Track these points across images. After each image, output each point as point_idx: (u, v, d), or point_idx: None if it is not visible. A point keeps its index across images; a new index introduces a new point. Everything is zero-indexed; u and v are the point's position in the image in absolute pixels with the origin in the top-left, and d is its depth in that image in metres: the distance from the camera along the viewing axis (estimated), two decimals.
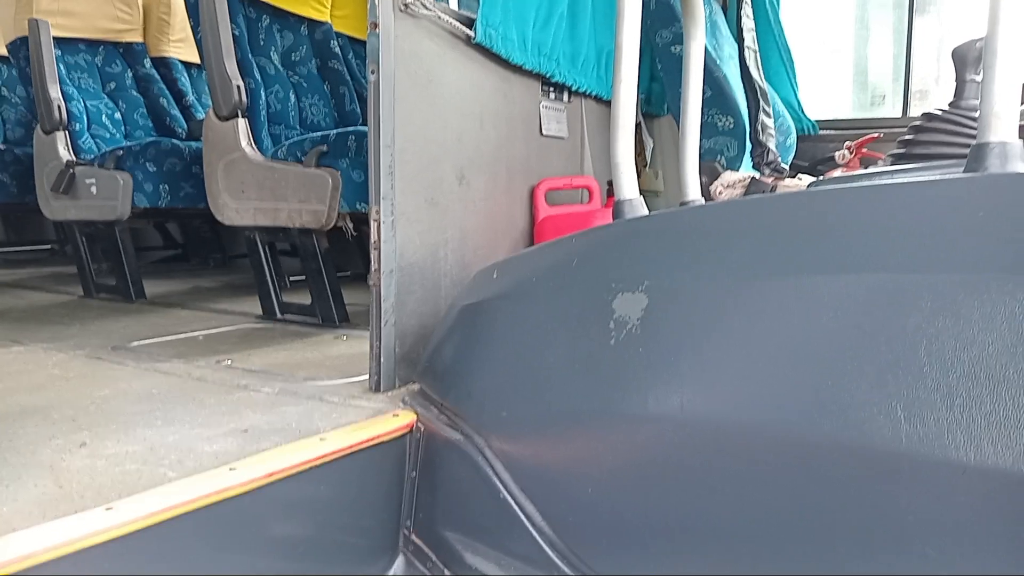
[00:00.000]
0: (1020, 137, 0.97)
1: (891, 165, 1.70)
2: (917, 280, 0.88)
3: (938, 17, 3.66)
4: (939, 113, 1.64)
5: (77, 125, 3.07)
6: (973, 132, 0.99)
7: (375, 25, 1.51)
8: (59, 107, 2.96)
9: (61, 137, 2.96)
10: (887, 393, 0.86)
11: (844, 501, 0.90)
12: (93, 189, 2.82)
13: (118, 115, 3.40)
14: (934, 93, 3.49)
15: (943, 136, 1.59)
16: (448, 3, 2.23)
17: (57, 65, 3.05)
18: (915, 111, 3.22)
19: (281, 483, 1.17)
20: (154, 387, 1.62)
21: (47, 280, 3.52)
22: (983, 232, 0.86)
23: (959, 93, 1.67)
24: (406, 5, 1.55)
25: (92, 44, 3.44)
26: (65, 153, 2.95)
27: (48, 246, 4.48)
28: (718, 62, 2.52)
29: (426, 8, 1.61)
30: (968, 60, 1.65)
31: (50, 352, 1.97)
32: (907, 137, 1.69)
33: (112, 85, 3.48)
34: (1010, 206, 0.86)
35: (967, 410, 0.82)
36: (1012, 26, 0.95)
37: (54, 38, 3.07)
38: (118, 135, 3.34)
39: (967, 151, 1.00)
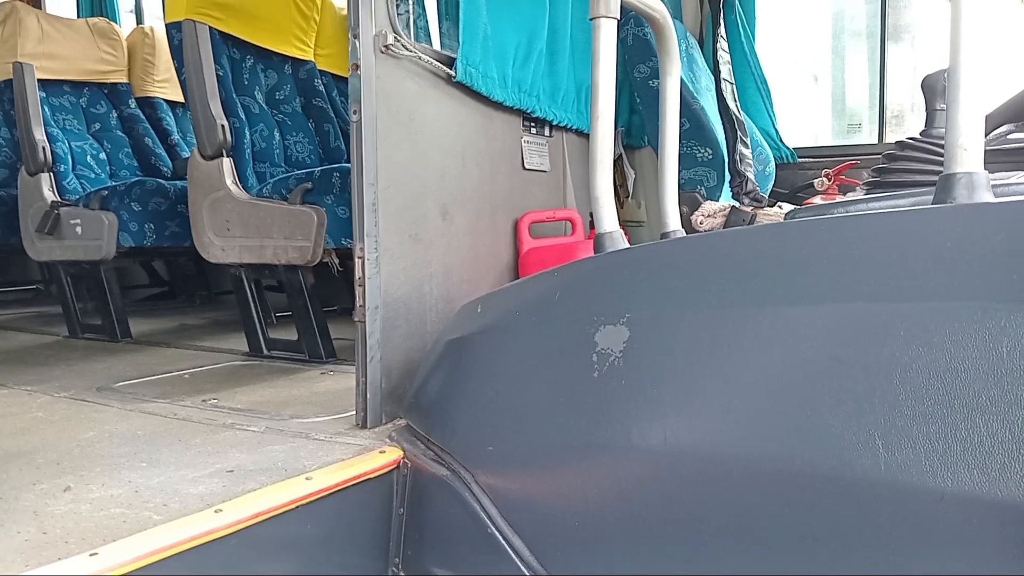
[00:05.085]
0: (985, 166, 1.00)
1: (866, 193, 1.73)
2: (890, 310, 0.90)
3: (912, 44, 3.73)
4: (911, 142, 1.68)
5: (62, 166, 3.08)
6: (943, 160, 1.02)
7: (356, 66, 1.54)
8: (44, 149, 2.97)
9: (46, 178, 2.97)
10: (865, 422, 0.88)
11: (826, 529, 0.91)
12: (78, 230, 2.82)
13: (103, 155, 3.41)
14: (909, 119, 3.55)
15: (915, 164, 1.62)
16: (431, 43, 2.26)
17: (42, 107, 3.07)
18: (891, 137, 3.28)
19: (268, 523, 1.16)
20: (139, 428, 1.61)
21: (32, 320, 3.50)
22: (952, 261, 0.88)
23: (930, 121, 1.70)
24: (387, 47, 1.58)
25: (77, 85, 3.47)
26: (50, 194, 2.95)
27: (33, 286, 4.46)
28: (695, 94, 2.57)
29: (407, 49, 1.64)
30: (937, 90, 1.69)
31: (34, 394, 1.95)
32: (881, 165, 1.72)
33: (97, 126, 3.50)
34: (977, 235, 0.88)
35: (943, 437, 0.83)
36: (973, 60, 0.98)
37: (39, 80, 3.09)
38: (103, 175, 3.34)
39: (938, 178, 1.03)
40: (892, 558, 0.85)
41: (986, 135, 1.32)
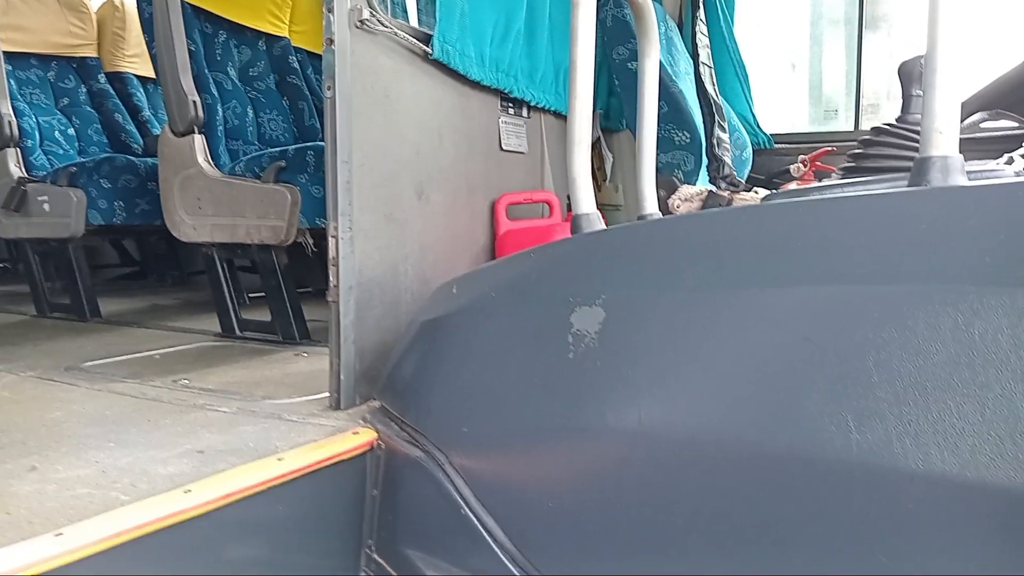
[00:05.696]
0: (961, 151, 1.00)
1: (842, 178, 1.74)
2: (864, 292, 0.90)
3: (889, 33, 3.75)
4: (887, 127, 1.68)
5: (29, 141, 3.01)
6: (919, 145, 1.02)
7: (331, 41, 1.51)
8: (10, 123, 2.89)
9: (12, 154, 2.90)
10: (838, 404, 0.88)
11: (799, 510, 0.91)
12: (46, 206, 2.76)
13: (71, 131, 3.34)
14: (885, 107, 3.58)
15: (891, 149, 1.63)
16: (408, 19, 2.23)
17: (8, 80, 2.99)
18: (866, 124, 3.30)
19: (238, 504, 1.15)
20: (107, 408, 1.59)
21: None
22: (926, 244, 0.88)
23: (906, 108, 1.71)
24: (362, 22, 1.55)
25: (44, 59, 3.38)
26: (16, 170, 2.89)
27: None
28: (674, 78, 2.56)
29: (382, 25, 1.61)
30: (914, 76, 1.69)
31: (0, 374, 1.91)
32: (857, 151, 1.73)
33: (65, 101, 3.42)
34: (951, 218, 0.88)
35: (914, 419, 0.84)
36: (950, 44, 0.98)
37: (4, 53, 3.01)
38: (71, 151, 3.27)
39: (913, 162, 1.03)
40: (864, 536, 0.86)
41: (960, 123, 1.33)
